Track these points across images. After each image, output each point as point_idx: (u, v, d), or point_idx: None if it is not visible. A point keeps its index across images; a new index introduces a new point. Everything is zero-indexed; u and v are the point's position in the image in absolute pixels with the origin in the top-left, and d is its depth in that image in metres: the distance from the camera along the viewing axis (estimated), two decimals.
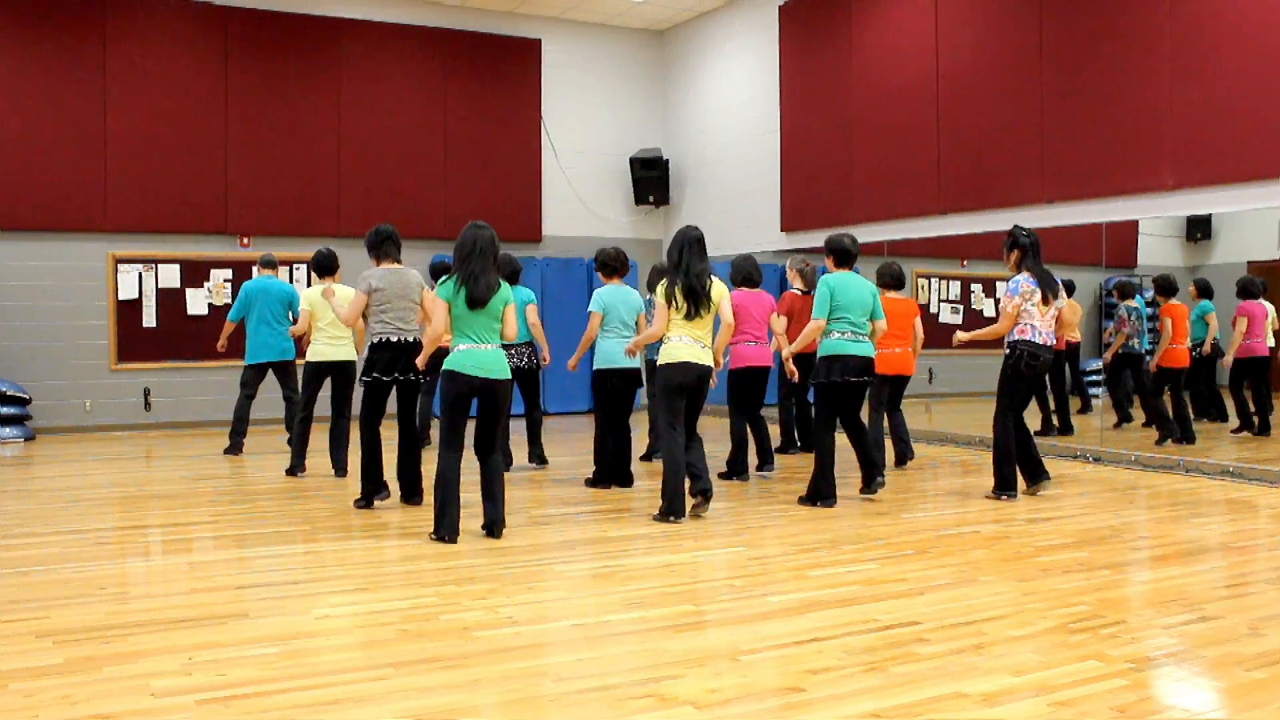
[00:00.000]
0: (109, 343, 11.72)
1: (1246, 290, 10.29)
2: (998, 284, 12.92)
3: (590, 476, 7.89)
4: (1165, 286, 9.73)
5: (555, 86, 13.90)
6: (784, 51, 12.50)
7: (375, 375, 6.89)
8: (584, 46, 14.11)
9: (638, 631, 4.25)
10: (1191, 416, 9.84)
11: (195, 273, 12.04)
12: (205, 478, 8.42)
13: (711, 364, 6.63)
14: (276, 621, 4.38)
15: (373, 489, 6.99)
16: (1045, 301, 7.02)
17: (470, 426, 6.18)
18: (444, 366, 5.99)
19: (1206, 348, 10.55)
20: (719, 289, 6.60)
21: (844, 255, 7.12)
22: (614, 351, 7.65)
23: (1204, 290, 10.73)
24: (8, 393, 10.82)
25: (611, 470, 7.78)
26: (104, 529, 6.44)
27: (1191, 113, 8.39)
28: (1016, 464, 7.22)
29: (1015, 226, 7.22)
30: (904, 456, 8.78)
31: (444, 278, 6.06)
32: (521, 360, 8.47)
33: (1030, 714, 3.33)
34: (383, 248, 7.08)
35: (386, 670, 3.74)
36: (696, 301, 6.48)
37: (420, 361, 6.56)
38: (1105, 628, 4.24)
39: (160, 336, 11.90)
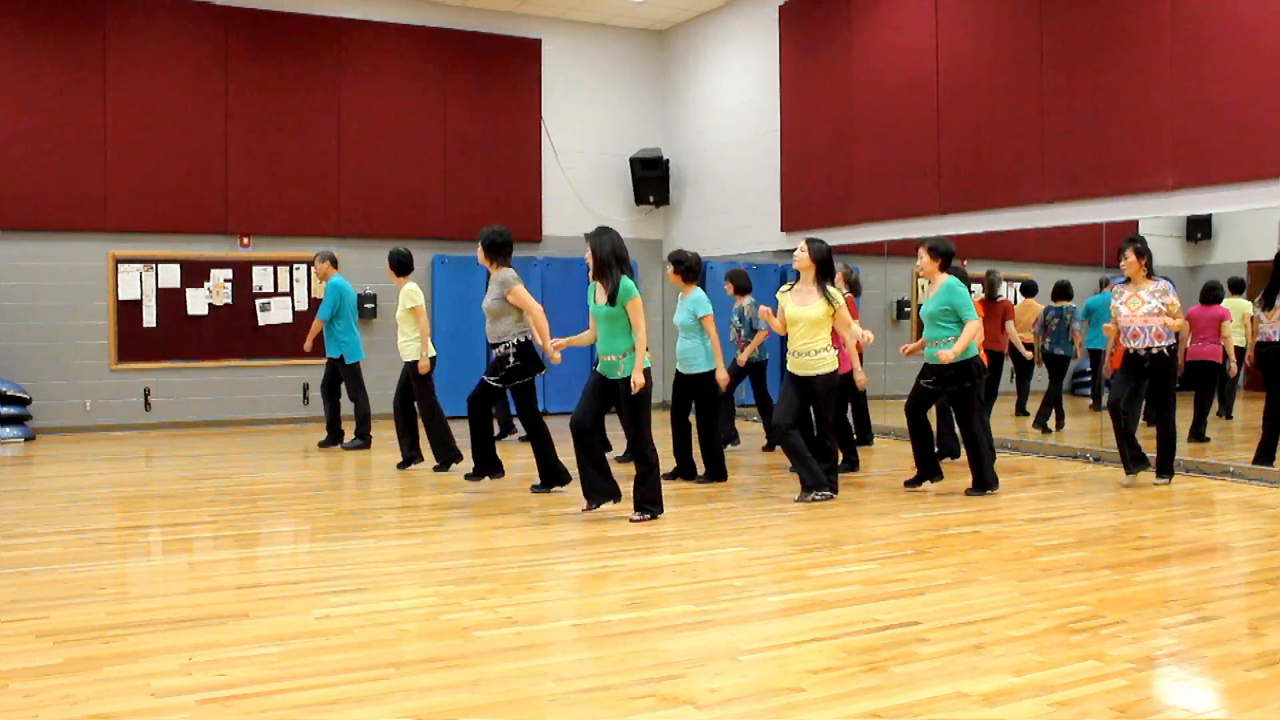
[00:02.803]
0: (109, 343, 11.71)
1: (1202, 295, 10.29)
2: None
3: (669, 471, 7.93)
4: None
5: (555, 86, 13.89)
6: (784, 51, 12.50)
7: (532, 375, 7.29)
8: (584, 46, 14.11)
9: (638, 631, 4.25)
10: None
11: (195, 273, 12.04)
12: (205, 478, 8.42)
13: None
14: (276, 621, 4.38)
15: (493, 467, 7.48)
16: None
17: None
18: (646, 365, 6.42)
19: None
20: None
21: (951, 257, 7.47)
22: (696, 353, 7.89)
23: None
24: (8, 393, 10.81)
25: (715, 467, 7.97)
26: (104, 529, 6.44)
27: (1191, 113, 8.39)
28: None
29: (1135, 234, 7.78)
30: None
31: (629, 281, 6.40)
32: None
33: (1030, 714, 3.33)
34: (511, 250, 7.43)
35: (386, 670, 3.75)
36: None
37: (640, 369, 6.47)
38: (1105, 628, 4.24)
39: (160, 336, 11.89)
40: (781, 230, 12.44)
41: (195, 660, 3.84)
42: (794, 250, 7.28)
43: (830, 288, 7.07)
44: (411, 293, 8.59)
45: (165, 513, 6.97)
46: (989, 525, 6.40)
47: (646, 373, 6.43)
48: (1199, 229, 15.11)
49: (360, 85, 12.71)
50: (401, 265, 8.80)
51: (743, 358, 8.98)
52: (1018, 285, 11.17)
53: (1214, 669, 3.79)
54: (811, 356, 7.06)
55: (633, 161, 14.14)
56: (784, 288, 7.29)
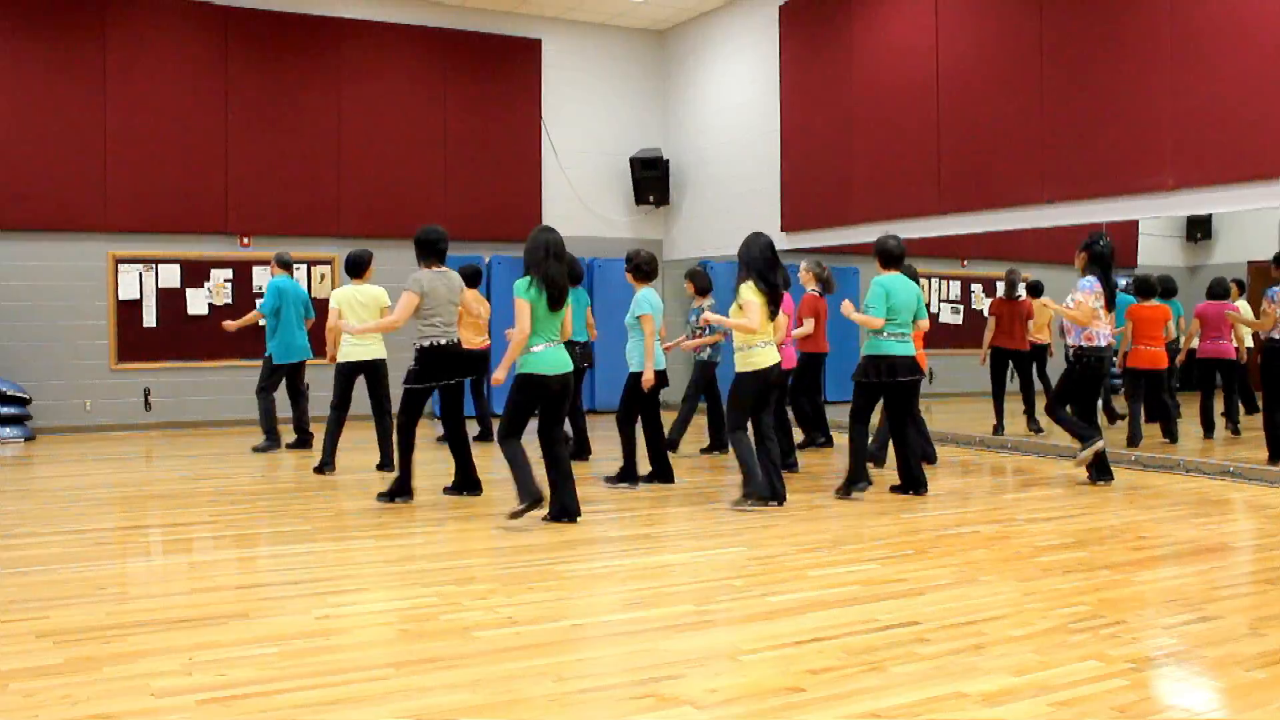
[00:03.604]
0: (109, 343, 11.71)
1: (1210, 291, 10.30)
2: (997, 284, 12.96)
3: (646, 475, 7.87)
4: (1140, 288, 9.80)
5: (555, 86, 13.89)
6: (784, 51, 12.49)
7: (429, 382, 7.03)
8: (584, 46, 14.10)
9: (638, 631, 4.25)
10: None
11: (195, 273, 12.03)
12: (205, 478, 8.42)
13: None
14: (276, 621, 4.38)
15: (401, 489, 7.12)
16: (1107, 309, 7.54)
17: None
18: (525, 370, 6.24)
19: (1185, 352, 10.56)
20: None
21: (889, 257, 7.38)
22: (659, 354, 7.83)
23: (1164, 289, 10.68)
24: (8, 393, 10.81)
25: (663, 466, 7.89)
26: (104, 529, 6.44)
27: (1191, 113, 8.38)
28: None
29: (1096, 233, 7.78)
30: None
31: (524, 280, 6.23)
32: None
33: (1030, 714, 3.33)
34: (432, 250, 7.32)
35: (386, 670, 3.75)
36: (776, 303, 6.86)
37: (505, 367, 6.47)
38: (1105, 628, 4.24)
39: (160, 336, 11.89)
40: (781, 230, 12.42)
41: (195, 660, 3.84)
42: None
43: (745, 284, 6.80)
44: (336, 294, 8.56)
45: (165, 513, 6.97)
46: (989, 525, 6.40)
47: (531, 378, 6.25)
48: (1199, 229, 15.12)
49: (360, 85, 12.70)
50: (350, 267, 8.62)
51: (685, 345, 8.88)
52: (1022, 284, 11.15)
53: (1214, 669, 3.79)
54: (737, 353, 6.94)
55: (633, 161, 14.14)
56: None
